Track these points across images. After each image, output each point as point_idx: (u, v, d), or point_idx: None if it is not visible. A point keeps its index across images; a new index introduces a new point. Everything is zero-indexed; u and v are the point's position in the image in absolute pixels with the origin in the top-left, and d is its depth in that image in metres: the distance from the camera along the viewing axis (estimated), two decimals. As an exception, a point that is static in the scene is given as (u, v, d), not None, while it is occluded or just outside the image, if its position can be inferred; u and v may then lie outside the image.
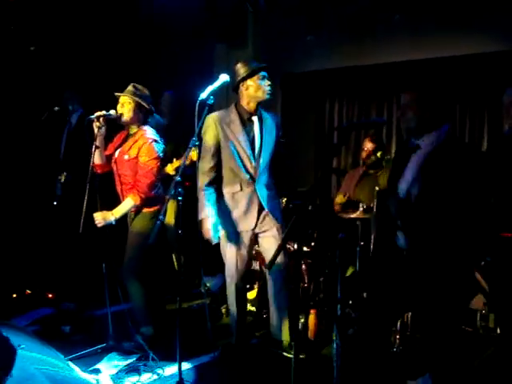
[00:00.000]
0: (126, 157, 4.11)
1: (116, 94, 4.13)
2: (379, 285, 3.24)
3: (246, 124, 3.90)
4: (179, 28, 6.61)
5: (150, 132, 4.15)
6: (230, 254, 4.01)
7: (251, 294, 4.94)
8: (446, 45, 5.20)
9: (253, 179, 3.89)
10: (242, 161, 3.88)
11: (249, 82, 3.80)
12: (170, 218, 5.27)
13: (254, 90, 3.81)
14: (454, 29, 5.16)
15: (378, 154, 4.90)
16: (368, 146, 5.00)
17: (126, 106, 4.10)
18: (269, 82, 3.83)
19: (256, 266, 5.02)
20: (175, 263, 5.37)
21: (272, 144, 3.95)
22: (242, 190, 3.91)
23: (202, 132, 3.79)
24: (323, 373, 3.72)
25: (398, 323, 3.88)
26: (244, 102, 3.88)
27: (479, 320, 4.24)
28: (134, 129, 4.17)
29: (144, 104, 4.12)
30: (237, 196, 3.93)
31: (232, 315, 4.16)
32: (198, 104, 3.26)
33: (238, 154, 3.87)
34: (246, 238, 3.98)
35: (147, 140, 4.08)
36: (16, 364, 2.94)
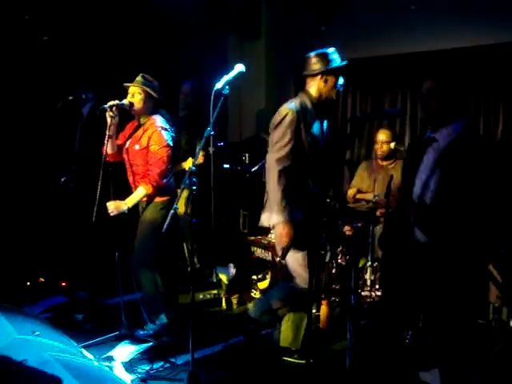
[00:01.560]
0: (137, 146, 4.12)
1: (125, 84, 4.15)
2: (394, 279, 3.23)
3: (321, 120, 3.70)
4: (192, 19, 6.61)
5: (159, 120, 4.17)
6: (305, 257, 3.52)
7: (263, 284, 4.95)
8: (461, 35, 5.15)
9: (318, 177, 3.60)
10: (313, 158, 3.58)
11: (330, 77, 3.60)
12: (181, 208, 5.28)
13: (331, 87, 3.61)
14: (468, 19, 5.12)
15: (391, 146, 4.88)
16: (381, 137, 4.98)
17: (136, 96, 4.11)
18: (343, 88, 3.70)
19: (268, 256, 5.03)
20: (186, 253, 5.40)
21: (329, 140, 3.78)
22: (311, 188, 3.59)
23: (283, 123, 3.49)
24: (336, 364, 3.73)
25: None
26: (316, 94, 3.63)
27: (492, 313, 4.22)
28: (144, 118, 4.19)
29: (153, 93, 4.13)
30: (305, 195, 3.56)
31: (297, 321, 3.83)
32: (213, 94, 3.25)
33: (312, 150, 3.58)
34: None
35: (156, 128, 4.10)
36: (31, 350, 2.97)
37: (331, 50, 3.65)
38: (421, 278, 3.04)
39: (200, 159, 4.92)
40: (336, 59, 3.63)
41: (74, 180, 5.35)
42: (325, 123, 3.75)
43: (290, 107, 3.53)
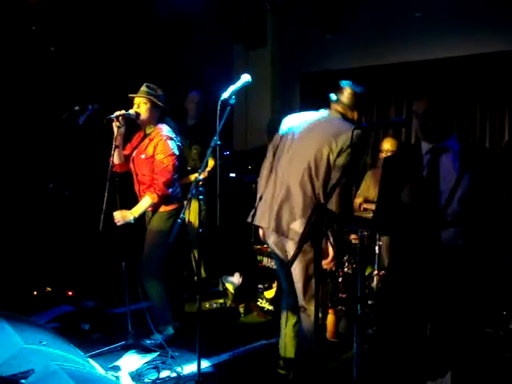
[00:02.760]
0: (143, 156, 4.13)
1: (130, 95, 4.16)
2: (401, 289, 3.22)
3: None
4: (197, 28, 6.65)
5: (165, 129, 4.18)
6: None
7: (269, 293, 4.95)
8: (467, 43, 5.17)
9: None
10: None
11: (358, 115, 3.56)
12: (191, 217, 5.27)
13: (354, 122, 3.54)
14: (474, 27, 5.12)
15: (398, 154, 4.87)
16: (386, 146, 4.97)
17: (142, 107, 4.12)
18: None
19: (274, 264, 5.02)
20: (194, 262, 5.40)
21: None
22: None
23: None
24: (343, 374, 3.72)
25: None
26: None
27: (500, 321, 4.19)
28: (150, 128, 4.20)
29: (159, 103, 4.15)
30: None
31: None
32: (219, 104, 3.26)
33: None
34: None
35: (162, 137, 4.10)
36: (38, 360, 2.97)
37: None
38: (437, 283, 3.03)
39: (209, 169, 4.93)
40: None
41: (68, 188, 5.37)
42: None
43: None
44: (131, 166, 4.26)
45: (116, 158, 4.13)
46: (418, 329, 3.53)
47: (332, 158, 3.33)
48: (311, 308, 3.32)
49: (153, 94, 4.14)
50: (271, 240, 3.54)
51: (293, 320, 3.61)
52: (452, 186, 2.99)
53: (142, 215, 4.16)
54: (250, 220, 3.60)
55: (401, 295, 3.14)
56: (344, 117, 3.49)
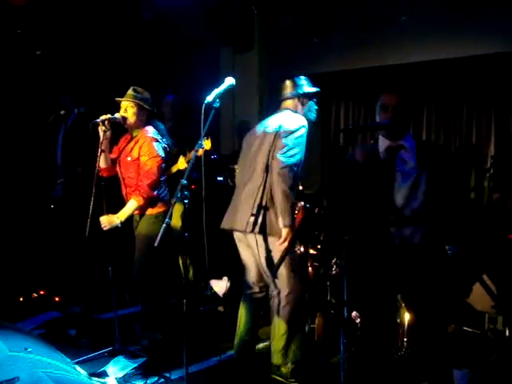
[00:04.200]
0: (129, 158, 4.11)
1: (117, 99, 4.14)
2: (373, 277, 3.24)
3: None
4: (184, 32, 6.63)
5: (150, 131, 4.16)
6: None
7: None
8: (452, 46, 5.19)
9: None
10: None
11: (309, 100, 3.86)
12: (176, 221, 5.26)
13: (309, 109, 3.85)
14: (459, 30, 5.15)
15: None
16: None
17: (128, 110, 4.11)
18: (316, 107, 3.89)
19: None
20: (181, 267, 5.37)
21: None
22: None
23: (301, 135, 3.65)
24: (331, 377, 3.71)
25: (406, 325, 3.86)
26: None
27: (487, 323, 4.21)
28: (137, 131, 4.18)
29: (146, 106, 4.13)
30: None
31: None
32: (203, 107, 3.25)
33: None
34: None
35: (147, 139, 4.09)
36: (23, 367, 2.94)
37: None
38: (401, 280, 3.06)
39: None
40: (310, 85, 3.89)
41: (63, 191, 5.34)
42: None
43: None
44: (118, 168, 4.23)
45: (102, 162, 4.10)
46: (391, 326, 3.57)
47: (273, 148, 3.60)
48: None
49: (139, 97, 4.12)
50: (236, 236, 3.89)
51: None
52: (411, 183, 3.02)
53: (130, 219, 4.14)
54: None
55: (368, 294, 3.18)
56: (291, 110, 3.79)
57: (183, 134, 5.16)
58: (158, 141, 4.12)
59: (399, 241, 3.04)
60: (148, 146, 4.06)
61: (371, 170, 3.13)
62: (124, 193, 4.25)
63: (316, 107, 3.90)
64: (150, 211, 4.14)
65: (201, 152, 3.67)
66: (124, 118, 4.08)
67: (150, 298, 4.17)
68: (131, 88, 4.16)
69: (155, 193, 4.07)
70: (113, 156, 4.25)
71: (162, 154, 4.11)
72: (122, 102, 4.13)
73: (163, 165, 4.13)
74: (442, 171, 3.02)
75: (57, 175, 5.45)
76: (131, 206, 4.05)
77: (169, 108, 5.56)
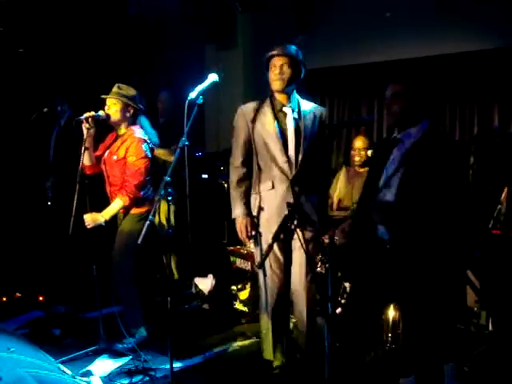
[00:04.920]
0: (115, 157, 4.09)
1: (102, 96, 4.12)
2: (361, 276, 3.25)
3: (279, 116, 3.58)
4: (168, 29, 6.60)
5: (138, 132, 4.14)
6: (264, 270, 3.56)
7: (243, 295, 4.92)
8: (437, 43, 5.21)
9: (286, 176, 3.52)
10: (272, 155, 3.54)
11: (269, 72, 3.59)
12: (162, 219, 5.25)
13: (270, 80, 3.57)
14: (444, 28, 5.17)
15: (368, 153, 4.89)
16: (357, 144, 5.00)
17: (112, 108, 4.09)
18: (276, 71, 3.52)
19: (248, 265, 5.01)
20: (166, 264, 5.35)
21: (310, 137, 3.57)
22: (273, 187, 3.53)
23: (233, 125, 3.67)
24: (315, 371, 3.71)
25: (390, 320, 3.88)
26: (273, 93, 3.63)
27: (471, 317, 4.23)
28: (122, 129, 4.16)
29: (131, 103, 4.11)
30: (268, 195, 3.55)
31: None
32: (187, 104, 3.24)
33: (268, 147, 3.54)
34: (278, 246, 3.44)
35: (135, 139, 4.07)
36: (6, 367, 2.91)
37: None
38: (386, 274, 3.05)
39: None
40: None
41: (52, 190, 5.28)
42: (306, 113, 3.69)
43: None
44: (102, 166, 4.21)
45: (86, 160, 4.08)
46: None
47: None
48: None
49: (124, 94, 4.09)
50: None
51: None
52: (385, 178, 3.03)
53: (114, 217, 4.11)
54: None
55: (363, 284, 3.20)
56: None
57: (174, 130, 5.14)
58: (145, 141, 4.11)
59: (379, 237, 3.06)
60: (136, 146, 4.04)
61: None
62: (108, 191, 4.23)
63: (271, 71, 3.60)
64: (134, 210, 4.13)
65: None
66: (108, 116, 4.06)
67: (126, 296, 4.15)
68: (116, 85, 4.13)
69: (141, 193, 4.05)
70: (98, 153, 4.22)
71: (149, 154, 4.11)
72: (107, 100, 4.11)
73: (149, 165, 4.12)
74: (430, 170, 2.92)
75: (47, 176, 5.39)
76: (117, 205, 4.03)
77: (161, 104, 5.62)
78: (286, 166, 3.51)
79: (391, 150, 3.09)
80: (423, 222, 2.87)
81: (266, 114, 3.57)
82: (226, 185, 5.56)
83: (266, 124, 3.55)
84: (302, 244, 3.33)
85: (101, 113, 4.03)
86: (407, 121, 3.05)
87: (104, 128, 4.21)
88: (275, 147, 3.52)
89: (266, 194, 3.55)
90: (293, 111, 3.59)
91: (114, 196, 4.14)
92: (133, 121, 4.18)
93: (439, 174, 2.91)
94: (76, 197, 3.79)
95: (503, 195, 4.03)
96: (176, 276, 5.51)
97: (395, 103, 3.05)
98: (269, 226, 3.45)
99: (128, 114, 4.14)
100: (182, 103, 3.30)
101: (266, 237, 3.49)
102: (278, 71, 3.51)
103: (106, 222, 4.01)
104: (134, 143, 4.05)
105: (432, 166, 2.92)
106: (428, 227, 2.87)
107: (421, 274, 2.90)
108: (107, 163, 4.17)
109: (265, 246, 3.46)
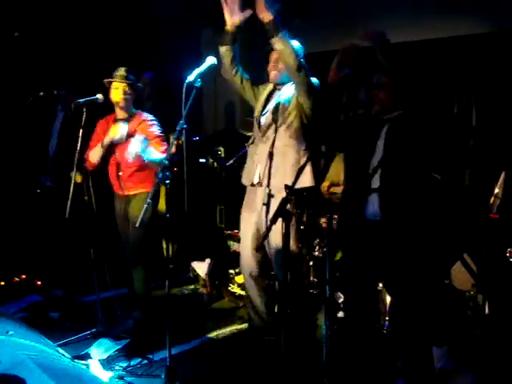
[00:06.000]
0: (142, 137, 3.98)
1: (108, 80, 4.04)
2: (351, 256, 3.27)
3: (273, 91, 3.93)
4: (166, 12, 6.55)
5: (146, 115, 4.14)
6: (241, 225, 3.94)
7: (240, 278, 4.92)
8: (436, 27, 5.20)
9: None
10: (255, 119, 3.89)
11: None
12: (161, 205, 5.22)
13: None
14: (441, 10, 5.15)
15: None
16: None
17: (122, 91, 4.01)
18: (272, 64, 3.88)
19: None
20: (164, 248, 5.36)
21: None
22: (253, 143, 3.88)
23: None
24: (313, 356, 3.73)
25: (388, 304, 3.89)
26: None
27: (467, 301, 4.25)
28: (124, 113, 4.09)
29: (137, 86, 4.11)
30: (250, 149, 3.91)
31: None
32: (184, 87, 3.22)
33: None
34: (258, 205, 3.76)
35: (151, 122, 4.10)
36: (5, 350, 2.92)
37: None
38: (375, 255, 3.08)
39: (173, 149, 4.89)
40: None
41: (54, 181, 5.25)
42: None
43: None
44: (114, 155, 4.11)
45: (97, 156, 4.03)
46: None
47: None
48: None
49: (132, 78, 4.06)
50: None
51: None
52: (372, 156, 3.06)
53: (112, 200, 4.09)
54: None
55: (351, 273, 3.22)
56: None
57: (162, 114, 5.11)
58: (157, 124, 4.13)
59: (368, 217, 3.09)
60: (156, 126, 4.09)
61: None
62: (115, 176, 4.14)
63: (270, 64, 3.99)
64: (145, 188, 4.07)
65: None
66: (104, 99, 4.01)
67: (140, 280, 4.16)
68: (122, 68, 4.06)
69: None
70: (94, 144, 4.13)
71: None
72: (115, 83, 4.03)
73: None
74: (412, 147, 3.00)
75: (47, 165, 5.34)
76: (158, 155, 3.89)
77: (148, 86, 5.47)
78: (260, 131, 3.83)
79: (378, 131, 3.12)
80: (413, 199, 2.94)
81: (267, 88, 3.97)
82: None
83: (261, 93, 3.98)
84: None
85: (99, 96, 3.97)
86: (394, 107, 3.10)
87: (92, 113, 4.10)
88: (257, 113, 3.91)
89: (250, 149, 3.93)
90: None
91: (126, 180, 4.08)
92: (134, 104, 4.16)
93: (423, 148, 3.03)
94: (73, 181, 3.78)
95: (500, 180, 4.03)
96: (173, 260, 5.50)
97: (381, 91, 3.10)
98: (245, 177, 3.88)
99: (134, 97, 4.13)
100: (174, 88, 3.29)
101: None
102: (273, 64, 3.85)
103: (136, 154, 3.76)
104: (154, 125, 4.08)
105: (414, 140, 3.04)
106: (417, 203, 2.93)
107: (409, 253, 2.95)
108: (120, 149, 4.05)
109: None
